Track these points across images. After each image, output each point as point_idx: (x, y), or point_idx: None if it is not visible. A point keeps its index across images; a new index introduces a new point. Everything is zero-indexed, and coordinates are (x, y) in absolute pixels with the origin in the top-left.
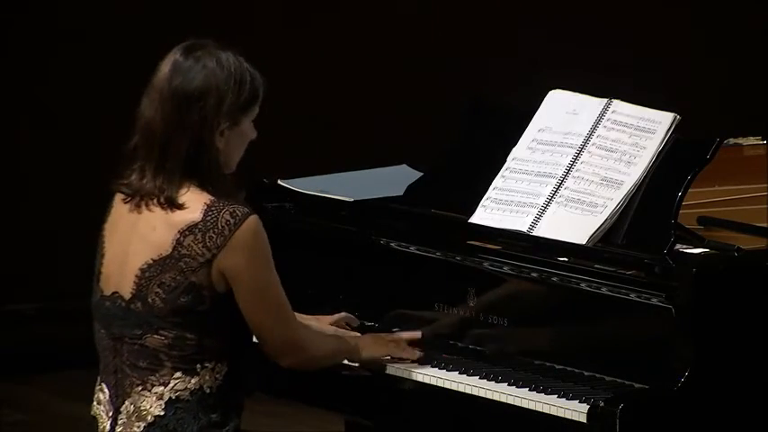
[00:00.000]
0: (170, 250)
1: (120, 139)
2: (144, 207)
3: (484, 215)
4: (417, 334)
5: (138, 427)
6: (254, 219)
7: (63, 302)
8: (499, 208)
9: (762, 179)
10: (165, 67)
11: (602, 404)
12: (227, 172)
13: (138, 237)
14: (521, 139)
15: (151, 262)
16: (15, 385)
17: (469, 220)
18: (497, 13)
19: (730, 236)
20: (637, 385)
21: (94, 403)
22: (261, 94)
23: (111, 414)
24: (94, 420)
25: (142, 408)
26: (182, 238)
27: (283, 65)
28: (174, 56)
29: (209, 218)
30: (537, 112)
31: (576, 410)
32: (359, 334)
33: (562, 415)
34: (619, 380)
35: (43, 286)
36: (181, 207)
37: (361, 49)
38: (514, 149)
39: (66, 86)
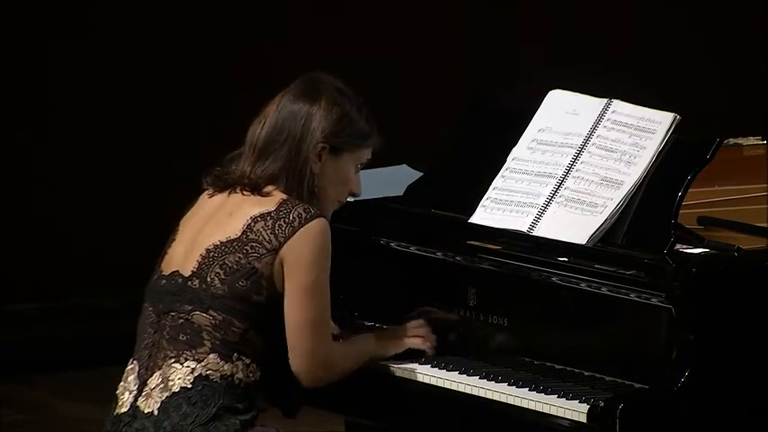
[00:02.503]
0: (239, 234)
1: (122, 139)
2: (227, 197)
3: (484, 215)
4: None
5: (161, 396)
6: (324, 220)
7: (63, 302)
8: (499, 208)
9: (762, 179)
10: (284, 90)
11: (602, 404)
12: (322, 210)
13: (213, 223)
14: (521, 139)
15: (218, 243)
16: (15, 385)
17: (469, 220)
18: (497, 14)
19: (730, 236)
20: (637, 385)
21: (121, 383)
22: (371, 141)
23: (135, 388)
24: (114, 400)
25: (170, 378)
26: (252, 224)
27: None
28: (298, 81)
29: (282, 209)
30: (537, 112)
31: (575, 410)
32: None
33: (562, 415)
34: (619, 380)
35: (43, 286)
36: (262, 195)
37: (361, 50)
38: (514, 149)
39: (68, 85)
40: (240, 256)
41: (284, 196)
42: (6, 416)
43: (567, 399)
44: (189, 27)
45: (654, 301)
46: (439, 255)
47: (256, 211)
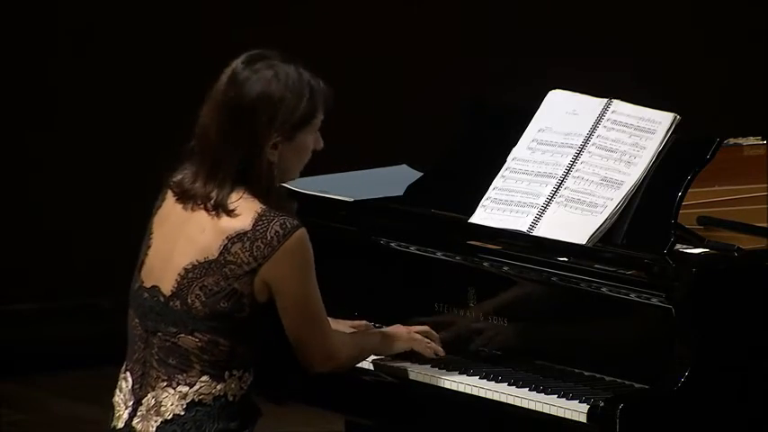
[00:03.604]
0: (216, 255)
1: (123, 139)
2: (192, 212)
3: (484, 215)
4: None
5: (156, 421)
6: (302, 232)
7: (63, 302)
8: (499, 208)
9: (762, 179)
10: (225, 76)
11: (602, 404)
12: (288, 180)
13: (185, 236)
14: (521, 139)
15: (196, 263)
16: (15, 385)
17: (469, 220)
18: (497, 14)
19: (730, 236)
20: (637, 385)
21: (116, 391)
22: (321, 107)
23: (131, 404)
24: (111, 409)
25: (163, 403)
26: (229, 245)
27: None
28: (235, 65)
29: (258, 227)
30: (537, 112)
31: (575, 410)
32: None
33: (562, 415)
34: (619, 380)
35: (43, 286)
36: (230, 213)
37: (361, 49)
38: (514, 149)
39: (69, 85)
40: (219, 277)
41: (258, 208)
42: (6, 416)
43: (567, 399)
44: (191, 27)
45: (654, 301)
46: (439, 255)
47: (231, 230)
